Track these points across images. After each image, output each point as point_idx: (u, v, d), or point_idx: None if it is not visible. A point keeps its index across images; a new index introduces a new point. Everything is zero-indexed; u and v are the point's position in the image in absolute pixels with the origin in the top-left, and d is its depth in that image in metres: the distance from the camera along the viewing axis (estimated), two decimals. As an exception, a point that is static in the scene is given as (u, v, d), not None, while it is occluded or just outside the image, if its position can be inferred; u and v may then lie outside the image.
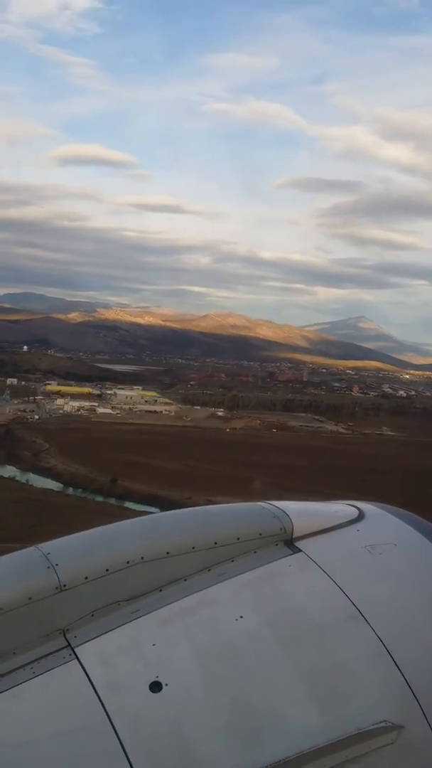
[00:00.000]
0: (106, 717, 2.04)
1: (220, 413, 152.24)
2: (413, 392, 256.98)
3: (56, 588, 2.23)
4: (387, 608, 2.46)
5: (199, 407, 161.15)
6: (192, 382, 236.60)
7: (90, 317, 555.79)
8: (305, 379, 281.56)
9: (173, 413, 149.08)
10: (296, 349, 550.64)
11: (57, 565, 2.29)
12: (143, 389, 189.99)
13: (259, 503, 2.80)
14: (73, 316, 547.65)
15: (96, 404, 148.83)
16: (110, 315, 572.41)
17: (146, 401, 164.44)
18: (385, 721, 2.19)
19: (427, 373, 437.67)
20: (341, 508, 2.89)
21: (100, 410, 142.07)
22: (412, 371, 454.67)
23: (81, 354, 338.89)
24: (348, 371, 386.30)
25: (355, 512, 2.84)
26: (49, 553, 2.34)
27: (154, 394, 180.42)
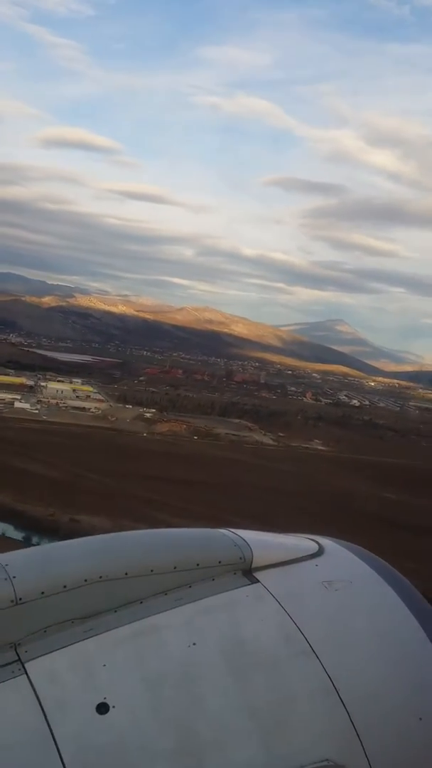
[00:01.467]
0: (50, 734, 2.02)
1: (149, 414, 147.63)
2: (367, 402, 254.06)
3: (11, 601, 2.21)
4: (338, 646, 2.49)
5: (131, 406, 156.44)
6: (141, 378, 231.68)
7: (64, 302, 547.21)
8: (262, 381, 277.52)
9: (100, 412, 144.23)
10: (267, 348, 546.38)
11: (14, 577, 2.25)
12: (83, 383, 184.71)
13: (221, 530, 2.81)
14: (47, 300, 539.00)
15: (18, 397, 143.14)
16: (83, 302, 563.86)
17: (78, 397, 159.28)
18: (327, 760, 2.20)
19: (395, 381, 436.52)
20: (301, 542, 2.93)
21: (18, 404, 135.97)
22: (380, 378, 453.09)
23: (44, 340, 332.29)
24: (314, 374, 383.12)
25: (315, 547, 2.87)
26: (7, 565, 2.31)
27: (90, 389, 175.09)
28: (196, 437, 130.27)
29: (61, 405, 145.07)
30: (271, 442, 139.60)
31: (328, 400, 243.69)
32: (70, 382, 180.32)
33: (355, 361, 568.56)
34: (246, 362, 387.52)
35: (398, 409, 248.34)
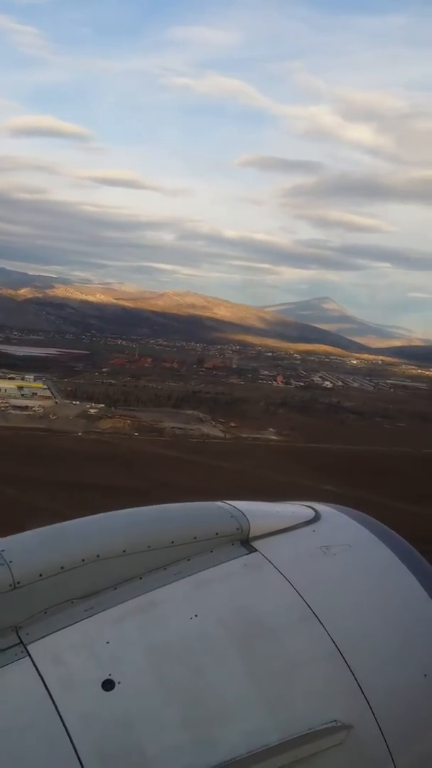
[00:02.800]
0: (57, 715, 2.03)
1: (95, 411, 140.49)
2: (341, 383, 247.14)
3: (10, 585, 2.21)
4: (339, 609, 2.49)
5: (78, 402, 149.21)
6: (104, 369, 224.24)
7: (40, 293, 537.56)
8: (234, 366, 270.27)
9: (42, 411, 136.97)
10: (250, 330, 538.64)
11: (11, 562, 2.26)
12: (35, 379, 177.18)
13: (217, 503, 2.83)
14: (24, 293, 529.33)
15: None
16: (61, 292, 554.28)
17: (23, 395, 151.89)
18: (335, 721, 2.23)
19: (381, 357, 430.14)
20: (298, 509, 2.94)
21: None
22: (366, 354, 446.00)
23: (15, 333, 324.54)
24: (295, 355, 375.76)
25: (311, 513, 2.89)
26: (2, 550, 2.31)
27: (41, 385, 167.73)
28: (136, 434, 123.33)
29: (0, 405, 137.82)
30: (219, 434, 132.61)
31: (300, 383, 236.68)
32: (22, 379, 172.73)
33: (341, 339, 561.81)
34: (226, 346, 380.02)
35: (372, 388, 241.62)
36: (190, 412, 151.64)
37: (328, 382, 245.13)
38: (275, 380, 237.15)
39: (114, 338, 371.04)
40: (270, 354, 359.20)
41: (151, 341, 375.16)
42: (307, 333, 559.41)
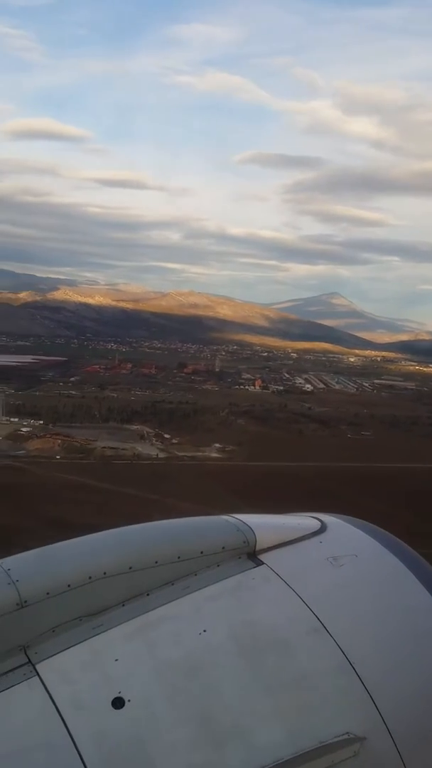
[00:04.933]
0: (67, 734, 2.02)
1: (28, 429, 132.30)
2: (323, 386, 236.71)
3: (17, 604, 2.21)
4: (349, 620, 2.50)
5: (17, 419, 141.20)
6: (74, 378, 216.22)
7: (39, 297, 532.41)
8: (217, 370, 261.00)
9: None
10: (252, 329, 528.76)
11: (17, 581, 2.26)
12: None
13: (223, 516, 2.86)
14: (23, 296, 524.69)
15: None
16: (59, 295, 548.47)
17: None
18: (347, 733, 2.22)
19: (383, 353, 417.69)
20: (304, 521, 2.96)
21: None
22: (369, 351, 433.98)
23: (3, 338, 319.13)
24: (292, 354, 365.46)
25: (317, 524, 2.90)
26: (9, 569, 2.32)
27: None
28: (58, 456, 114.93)
29: None
30: (154, 452, 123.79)
31: (279, 387, 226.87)
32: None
33: (345, 336, 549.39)
34: (222, 347, 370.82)
35: (354, 390, 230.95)
36: (136, 427, 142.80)
37: (309, 385, 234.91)
38: (253, 385, 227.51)
39: (106, 342, 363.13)
40: (265, 354, 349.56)
41: (145, 344, 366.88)
42: (310, 330, 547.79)
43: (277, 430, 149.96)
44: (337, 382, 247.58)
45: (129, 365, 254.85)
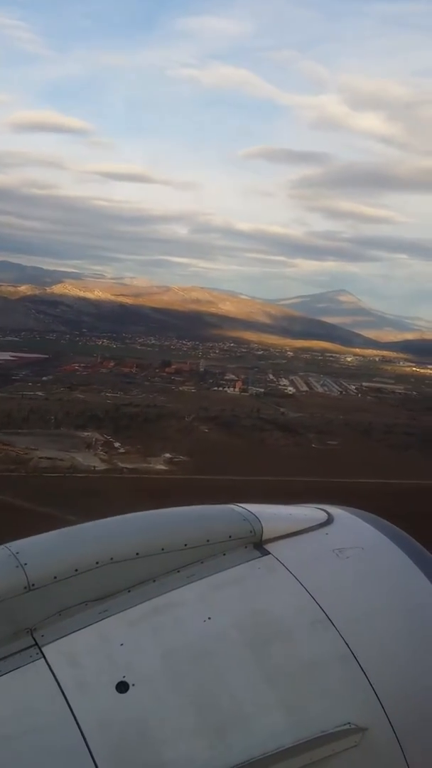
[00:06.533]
0: (71, 716, 2.05)
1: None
2: (306, 388, 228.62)
3: (24, 587, 2.25)
4: (353, 611, 2.52)
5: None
6: (46, 377, 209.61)
7: (38, 290, 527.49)
8: (201, 370, 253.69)
9: None
10: (253, 326, 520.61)
11: (26, 564, 2.31)
12: None
13: (230, 506, 2.88)
14: (22, 289, 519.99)
15: None
16: (58, 289, 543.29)
17: None
18: (349, 723, 2.25)
19: (384, 352, 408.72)
20: (310, 512, 2.98)
21: None
22: (370, 350, 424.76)
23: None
24: (288, 353, 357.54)
25: (324, 516, 2.94)
26: (18, 552, 2.36)
27: None
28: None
29: None
30: (94, 463, 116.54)
31: (260, 389, 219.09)
32: None
33: (348, 334, 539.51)
34: (218, 344, 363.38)
35: (337, 394, 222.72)
36: (87, 433, 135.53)
37: (291, 388, 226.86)
38: (234, 386, 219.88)
39: (97, 338, 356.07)
40: (261, 352, 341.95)
41: (139, 340, 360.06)
42: (313, 328, 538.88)
43: (239, 438, 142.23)
44: (322, 385, 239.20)
45: (111, 363, 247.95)
